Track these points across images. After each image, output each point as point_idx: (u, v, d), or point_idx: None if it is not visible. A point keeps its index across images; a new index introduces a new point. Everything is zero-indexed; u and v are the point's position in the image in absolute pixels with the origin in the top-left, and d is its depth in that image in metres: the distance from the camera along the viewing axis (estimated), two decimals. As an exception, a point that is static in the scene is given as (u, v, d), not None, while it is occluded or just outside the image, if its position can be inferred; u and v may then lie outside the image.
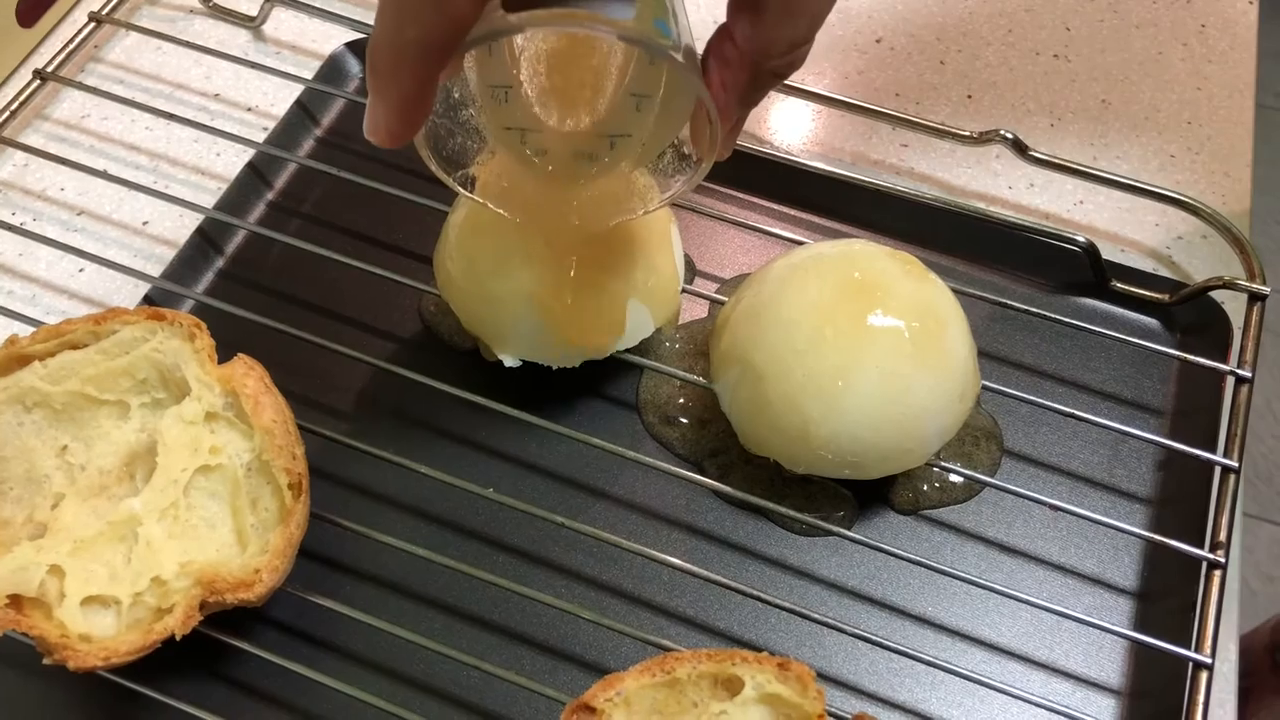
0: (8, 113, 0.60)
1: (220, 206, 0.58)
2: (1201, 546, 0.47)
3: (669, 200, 0.44)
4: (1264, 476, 1.67)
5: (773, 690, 0.40)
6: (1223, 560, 0.46)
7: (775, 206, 0.60)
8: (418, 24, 0.32)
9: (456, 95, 0.43)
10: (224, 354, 0.46)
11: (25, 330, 0.47)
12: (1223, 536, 0.47)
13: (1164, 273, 0.58)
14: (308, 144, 0.62)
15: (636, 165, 0.44)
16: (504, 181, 0.45)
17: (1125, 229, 0.60)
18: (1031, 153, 0.57)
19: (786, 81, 0.59)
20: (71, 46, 0.63)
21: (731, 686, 0.40)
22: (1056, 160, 0.57)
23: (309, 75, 0.63)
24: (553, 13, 0.35)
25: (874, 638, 0.45)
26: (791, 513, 0.48)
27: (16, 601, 0.42)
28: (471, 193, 0.45)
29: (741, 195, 0.60)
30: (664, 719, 0.40)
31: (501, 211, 0.45)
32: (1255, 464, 1.67)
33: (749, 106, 0.39)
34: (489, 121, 0.43)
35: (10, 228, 0.57)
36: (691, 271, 0.58)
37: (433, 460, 0.49)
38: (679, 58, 0.36)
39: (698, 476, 0.50)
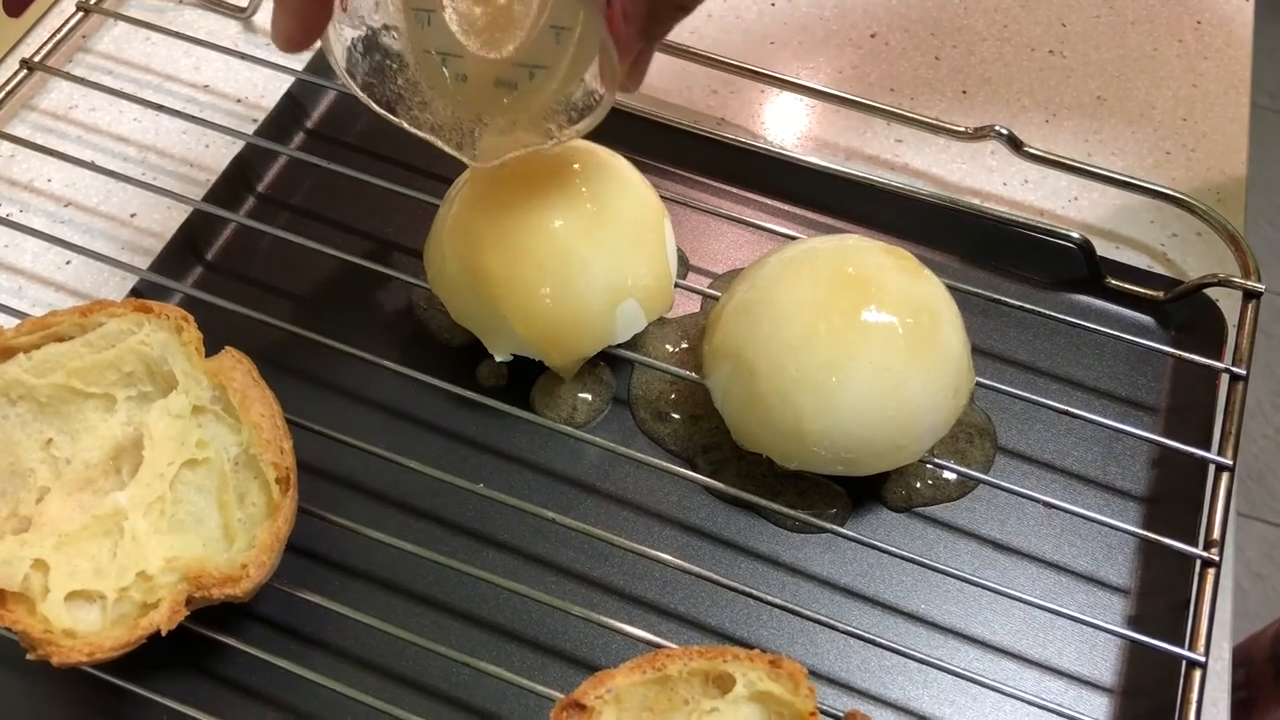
0: (-6, 103, 0.60)
1: (209, 199, 0.57)
2: (1195, 545, 0.47)
3: (572, 138, 0.45)
4: (1255, 476, 1.67)
5: (764, 688, 0.39)
6: (1216, 558, 0.46)
7: (769, 201, 0.60)
8: None
9: (377, 17, 0.44)
10: (212, 347, 0.46)
11: (11, 322, 0.47)
12: (1216, 534, 0.47)
13: (1159, 270, 0.58)
14: (297, 136, 0.62)
15: (553, 99, 0.44)
16: (417, 99, 0.46)
17: (1120, 226, 0.60)
18: (1026, 149, 0.57)
19: (780, 76, 0.59)
20: (59, 36, 0.62)
21: (723, 684, 0.40)
22: (1051, 156, 0.57)
23: (299, 67, 0.62)
24: None
25: (866, 635, 0.44)
26: (784, 509, 0.48)
27: (0, 596, 0.41)
28: (392, 115, 0.46)
29: (735, 190, 0.60)
30: (655, 716, 0.40)
31: (409, 128, 0.46)
32: (1246, 464, 1.67)
33: (652, 40, 0.40)
34: (410, 44, 0.44)
35: (-4, 219, 0.56)
36: (684, 266, 0.57)
37: (422, 455, 0.48)
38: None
39: (690, 473, 0.50)
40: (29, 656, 0.41)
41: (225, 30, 0.66)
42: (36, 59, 0.61)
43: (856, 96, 0.59)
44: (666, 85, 0.64)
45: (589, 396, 0.53)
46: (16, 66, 0.61)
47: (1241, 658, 0.84)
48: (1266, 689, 0.85)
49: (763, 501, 0.48)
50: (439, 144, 0.46)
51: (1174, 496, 0.51)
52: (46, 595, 0.41)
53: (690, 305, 0.55)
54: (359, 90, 0.45)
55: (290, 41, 0.39)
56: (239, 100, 0.63)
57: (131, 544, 0.43)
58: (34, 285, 0.56)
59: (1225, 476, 0.48)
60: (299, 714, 0.45)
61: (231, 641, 0.44)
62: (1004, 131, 0.57)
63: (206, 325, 0.47)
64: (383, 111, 0.46)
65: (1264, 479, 1.67)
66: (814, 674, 0.46)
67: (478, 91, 0.44)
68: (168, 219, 0.58)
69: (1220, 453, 0.49)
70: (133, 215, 0.59)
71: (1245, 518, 1.62)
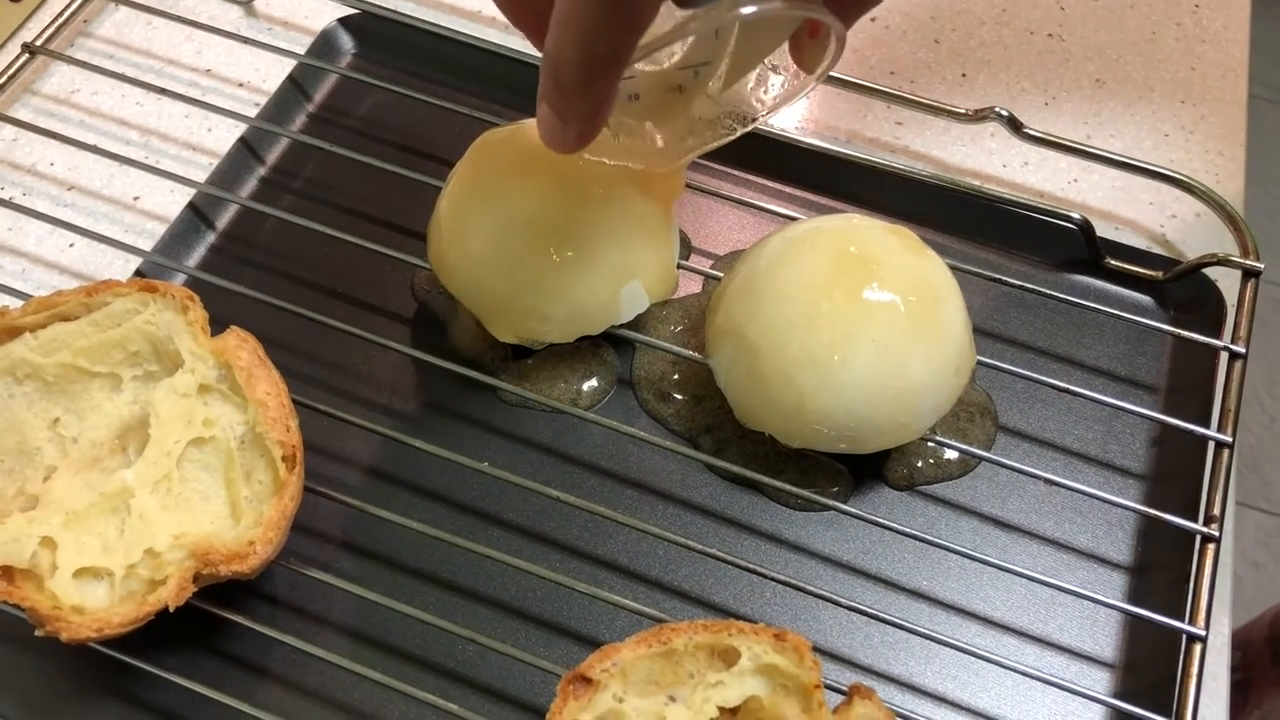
0: (-4, 87, 0.60)
1: (212, 181, 0.58)
2: (1195, 521, 0.47)
3: (776, 110, 0.45)
4: (1251, 465, 1.68)
5: (769, 661, 0.40)
6: (1216, 534, 0.46)
7: (771, 184, 0.60)
8: (608, 40, 0.32)
9: None
10: (217, 328, 0.46)
11: (16, 304, 0.47)
12: (1216, 510, 0.47)
13: (1158, 250, 0.58)
14: (300, 119, 0.62)
15: (725, 88, 0.44)
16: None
17: (1120, 207, 0.60)
18: (1026, 130, 0.57)
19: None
20: (61, 20, 0.62)
21: (728, 657, 0.40)
22: (1051, 138, 0.57)
23: (301, 51, 0.62)
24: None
25: (869, 610, 0.45)
26: (787, 487, 0.48)
27: (8, 573, 0.42)
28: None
29: (737, 173, 0.60)
30: (660, 689, 0.40)
31: (609, 162, 0.46)
32: (1243, 452, 1.67)
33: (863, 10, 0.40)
34: None
35: (0, 202, 0.56)
36: (687, 248, 0.57)
37: (427, 434, 0.49)
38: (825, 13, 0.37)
39: (693, 452, 0.50)
40: (37, 633, 0.41)
41: (227, 15, 0.66)
42: (38, 43, 0.61)
43: (857, 79, 0.59)
44: (667, 69, 0.64)
45: (593, 377, 0.53)
46: (18, 51, 0.61)
47: (1239, 641, 0.85)
48: (1264, 671, 0.86)
49: (765, 480, 0.48)
50: (633, 164, 0.47)
51: (1174, 473, 0.51)
52: (55, 572, 0.42)
53: (693, 286, 0.56)
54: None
55: (581, 143, 0.37)
56: (241, 84, 0.63)
57: (139, 521, 0.43)
58: (38, 268, 0.56)
59: (1225, 453, 0.49)
60: (305, 690, 0.45)
61: (238, 619, 0.45)
62: (1004, 113, 0.57)
63: (211, 306, 0.47)
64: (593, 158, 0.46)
65: (1260, 468, 1.67)
66: (817, 649, 0.46)
67: (650, 103, 0.43)
68: (171, 202, 0.58)
69: (1220, 430, 0.49)
70: (136, 198, 0.59)
71: (1242, 506, 1.63)
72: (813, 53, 0.41)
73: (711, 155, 0.60)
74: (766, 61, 0.44)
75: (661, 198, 0.50)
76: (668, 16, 0.36)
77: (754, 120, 0.45)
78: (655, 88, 0.42)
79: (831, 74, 0.59)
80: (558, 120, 0.36)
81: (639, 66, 0.42)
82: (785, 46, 0.42)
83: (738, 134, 0.45)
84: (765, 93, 0.45)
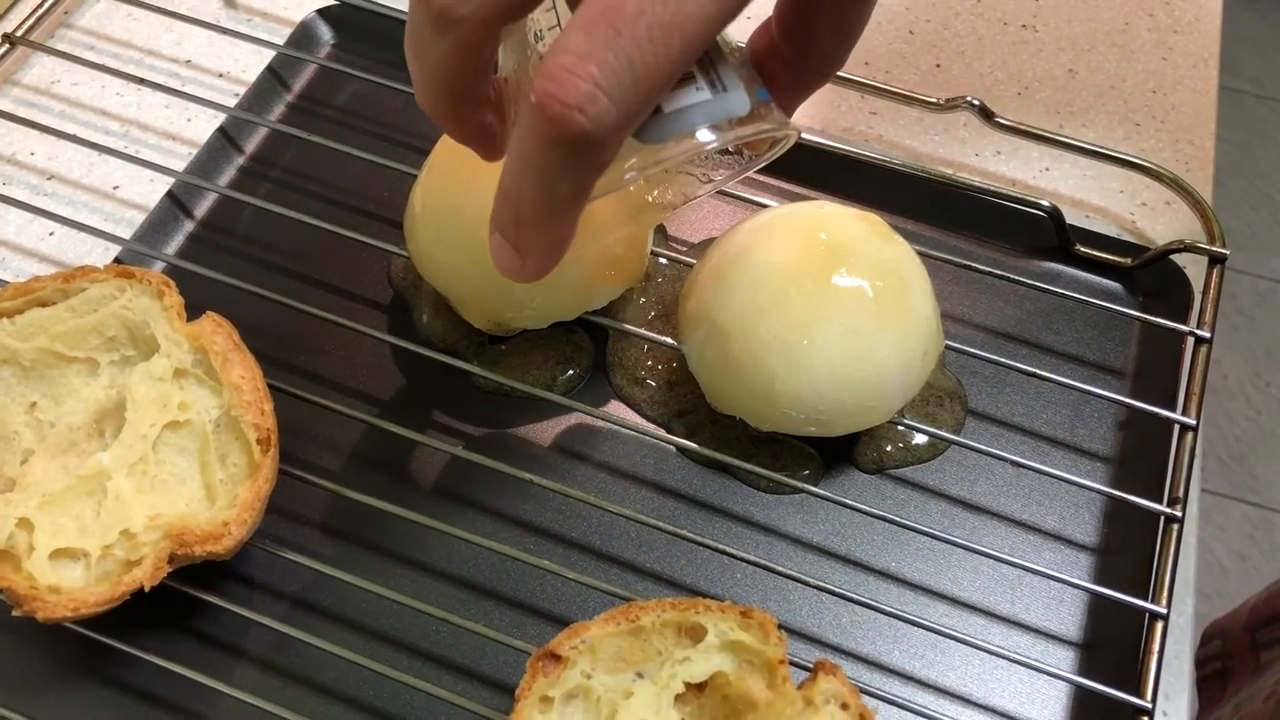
0: (-23, 77, 0.60)
1: (191, 170, 0.58)
2: (1160, 502, 0.48)
3: (716, 189, 0.42)
4: (1236, 457, 1.69)
5: (735, 638, 0.40)
6: (1179, 515, 0.47)
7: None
8: (569, 182, 0.31)
9: None
10: (195, 315, 0.47)
11: (-6, 291, 0.47)
12: (1180, 492, 0.48)
13: (1128, 238, 0.59)
14: (278, 109, 0.62)
15: (669, 178, 0.43)
16: None
17: (1090, 195, 0.61)
18: (998, 119, 0.58)
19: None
20: (41, 11, 0.62)
21: (695, 634, 0.41)
22: (1022, 127, 0.58)
23: (280, 41, 0.63)
24: (722, 137, 0.34)
25: (837, 590, 0.45)
26: (758, 470, 0.49)
27: (-14, 554, 0.42)
28: None
29: (711, 161, 0.61)
30: (629, 666, 0.41)
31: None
32: (1228, 445, 1.69)
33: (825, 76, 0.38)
34: None
35: (-21, 191, 0.57)
36: (661, 235, 0.58)
37: (402, 419, 0.49)
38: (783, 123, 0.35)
39: (666, 435, 0.50)
40: (14, 613, 0.41)
41: (207, 6, 0.66)
42: (19, 34, 0.61)
43: (831, 69, 0.60)
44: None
45: (567, 363, 0.53)
46: (-1, 41, 0.61)
47: (1219, 630, 0.85)
48: (1243, 659, 0.86)
49: (737, 463, 0.49)
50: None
51: (1140, 456, 0.52)
52: (31, 553, 0.42)
53: (667, 273, 0.56)
54: None
55: (540, 275, 0.35)
56: (220, 75, 0.64)
57: (115, 503, 0.43)
58: (17, 256, 0.57)
59: (1189, 436, 0.49)
60: (281, 670, 0.46)
61: (214, 600, 0.45)
62: (975, 103, 0.58)
63: (189, 293, 0.47)
64: None
65: (1245, 460, 1.68)
66: (786, 629, 0.47)
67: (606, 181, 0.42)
68: (150, 191, 0.59)
69: (1184, 413, 0.50)
70: (115, 187, 0.59)
71: (1227, 498, 1.64)
72: (762, 144, 0.38)
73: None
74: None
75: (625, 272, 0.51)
76: None
77: (695, 197, 0.43)
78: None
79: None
80: (515, 254, 0.34)
81: None
82: None
83: (677, 208, 0.44)
84: (709, 173, 0.42)
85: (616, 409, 0.53)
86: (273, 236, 0.57)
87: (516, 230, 0.33)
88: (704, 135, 0.33)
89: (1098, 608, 0.48)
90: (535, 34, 0.34)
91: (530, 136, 0.29)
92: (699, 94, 0.33)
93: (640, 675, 0.41)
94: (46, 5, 0.63)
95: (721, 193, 0.57)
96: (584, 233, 0.43)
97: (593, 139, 0.29)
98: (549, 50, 0.29)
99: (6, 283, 0.49)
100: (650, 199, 0.44)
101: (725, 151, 0.41)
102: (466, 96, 0.34)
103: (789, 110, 0.37)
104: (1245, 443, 1.70)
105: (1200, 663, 0.77)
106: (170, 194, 0.58)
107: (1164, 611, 0.45)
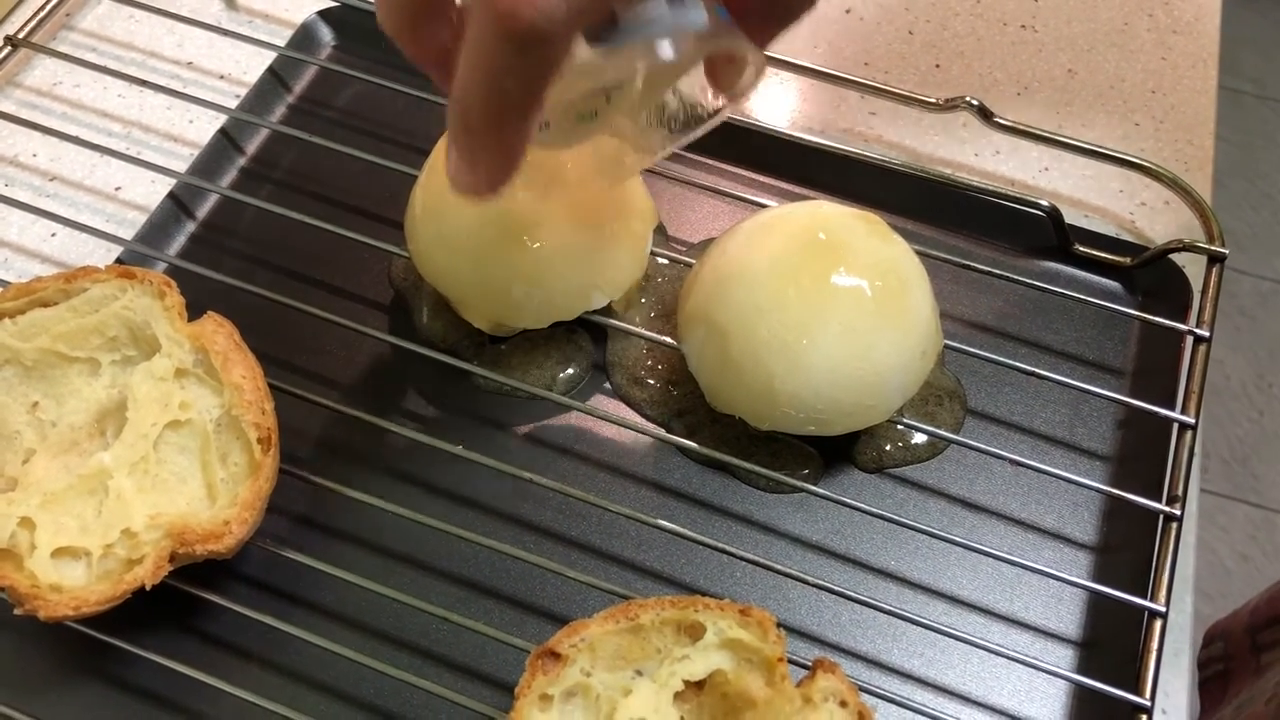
0: (-21, 79, 0.60)
1: (193, 171, 0.58)
2: (1159, 501, 0.48)
3: (687, 141, 0.43)
4: (1239, 458, 1.69)
5: (734, 635, 0.40)
6: (1178, 513, 0.47)
7: (745, 173, 0.61)
8: (518, 81, 0.30)
9: None
10: (196, 316, 0.47)
11: (-4, 292, 0.47)
12: (1179, 490, 0.48)
13: (1127, 237, 0.59)
14: (279, 110, 0.63)
15: (638, 111, 0.43)
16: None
17: (1090, 195, 0.61)
18: (996, 119, 0.58)
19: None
20: (44, 13, 0.63)
21: (694, 633, 0.41)
22: (1021, 127, 0.58)
23: (281, 43, 0.63)
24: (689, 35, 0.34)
25: (836, 589, 0.46)
26: (757, 469, 0.49)
27: (-12, 553, 0.42)
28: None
29: (711, 162, 0.61)
30: (628, 664, 0.41)
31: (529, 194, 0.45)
32: (1231, 446, 1.68)
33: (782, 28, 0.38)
34: None
35: (-18, 192, 0.57)
36: (662, 235, 0.58)
37: (403, 419, 0.49)
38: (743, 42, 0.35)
39: (666, 435, 0.51)
40: (16, 611, 0.42)
41: (208, 8, 0.66)
42: (21, 36, 0.62)
43: (832, 70, 0.60)
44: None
45: (567, 363, 0.54)
46: (1, 43, 0.61)
47: (1221, 632, 0.85)
48: (1244, 660, 0.86)
49: (737, 462, 0.49)
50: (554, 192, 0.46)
51: (1139, 455, 0.52)
52: (33, 552, 0.42)
53: (667, 273, 0.56)
54: None
55: (494, 187, 0.34)
56: (222, 76, 0.64)
57: (116, 502, 0.43)
58: (20, 257, 0.57)
59: (1188, 434, 0.49)
60: (281, 668, 0.46)
61: (215, 598, 0.45)
62: (974, 103, 0.58)
63: (191, 294, 0.48)
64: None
65: (1248, 462, 1.68)
66: (785, 628, 0.47)
67: (562, 131, 0.42)
68: (152, 192, 0.59)
69: (1183, 412, 0.50)
70: (117, 189, 0.60)
71: (1230, 499, 1.64)
72: (728, 76, 0.39)
73: (687, 145, 0.61)
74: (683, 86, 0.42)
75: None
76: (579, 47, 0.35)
77: (664, 151, 0.44)
78: (567, 116, 0.41)
79: (807, 65, 0.60)
80: (467, 165, 0.34)
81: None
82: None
83: (659, 156, 0.44)
84: (681, 119, 0.43)
85: (616, 408, 0.53)
86: (274, 237, 0.57)
87: (467, 136, 0.33)
88: (661, 46, 0.33)
89: (1097, 606, 0.48)
90: None
91: (480, 34, 0.30)
92: (656, 6, 0.33)
93: (639, 673, 0.41)
94: (49, 7, 0.63)
95: (721, 192, 0.57)
96: (555, 185, 0.43)
97: (541, 33, 0.29)
98: None
99: (9, 283, 0.49)
100: (618, 153, 0.44)
101: (694, 116, 0.41)
102: (427, 12, 0.34)
103: (760, 45, 0.37)
104: (1248, 444, 1.70)
105: (1202, 664, 0.77)
106: (171, 195, 0.58)
107: (1163, 610, 0.45)
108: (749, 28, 0.36)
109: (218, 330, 0.46)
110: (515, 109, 0.32)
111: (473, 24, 0.30)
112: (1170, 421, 0.50)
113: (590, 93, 0.40)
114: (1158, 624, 0.45)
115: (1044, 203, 0.56)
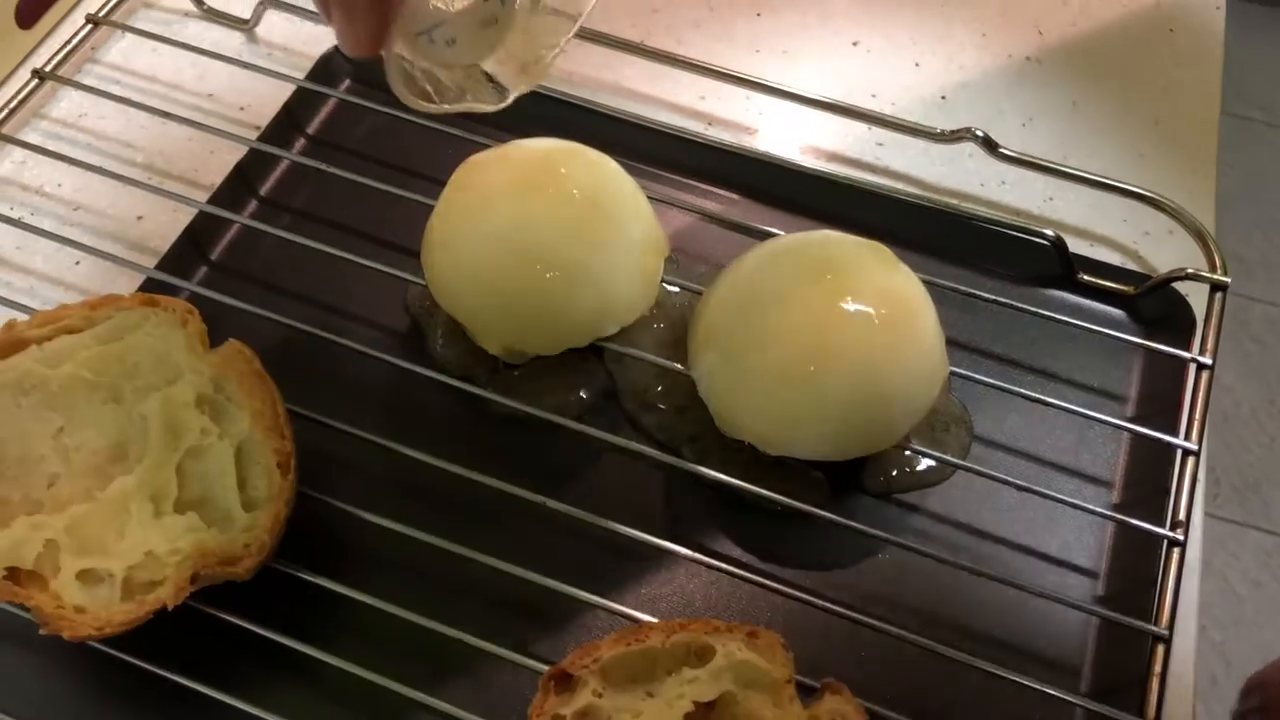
0: (7, 111, 0.62)
1: (213, 202, 0.60)
2: (1162, 526, 0.48)
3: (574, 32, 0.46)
4: (1250, 485, 1.68)
5: (743, 658, 0.41)
6: (1181, 538, 0.48)
7: (753, 203, 0.62)
8: None
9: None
10: (216, 343, 0.48)
11: (24, 320, 0.49)
12: (1182, 516, 0.48)
13: (1131, 266, 0.60)
14: (299, 142, 0.64)
15: (534, 8, 0.45)
16: (435, 85, 0.47)
17: (1094, 225, 0.62)
18: (1002, 150, 0.59)
19: (765, 82, 0.62)
20: (69, 47, 0.64)
21: (704, 654, 0.42)
22: (1026, 157, 0.59)
23: (300, 76, 0.65)
24: None
25: (843, 611, 0.46)
26: (767, 494, 0.50)
27: (14, 575, 0.43)
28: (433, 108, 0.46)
29: (721, 191, 0.62)
30: (638, 686, 0.42)
31: (450, 110, 0.46)
32: (1242, 472, 1.68)
33: None
34: (400, 34, 0.44)
35: (9, 221, 0.59)
36: (672, 263, 0.59)
37: (417, 443, 0.50)
38: None
39: (675, 460, 0.51)
40: (42, 631, 0.42)
41: (229, 41, 0.68)
42: (48, 69, 0.63)
43: (839, 101, 0.61)
44: (656, 91, 0.66)
45: (579, 389, 0.55)
46: (28, 76, 0.63)
47: (1257, 682, 0.85)
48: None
49: (746, 487, 0.50)
50: (481, 108, 0.47)
51: (1143, 481, 0.53)
52: (58, 573, 0.43)
53: (677, 300, 0.57)
54: (421, 105, 0.46)
55: (374, 39, 0.39)
56: (242, 108, 0.66)
57: (138, 526, 0.44)
58: (45, 285, 0.58)
59: (1191, 461, 0.50)
60: (300, 687, 0.47)
61: (236, 620, 0.46)
62: (980, 134, 0.59)
63: (211, 322, 0.49)
64: (427, 107, 0.46)
65: (1259, 488, 1.68)
66: (793, 649, 0.48)
67: (469, 43, 0.45)
68: (173, 221, 0.60)
69: (1186, 438, 0.51)
70: (140, 218, 0.61)
71: (1241, 526, 1.64)
72: None
73: (697, 176, 0.62)
74: None
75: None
76: None
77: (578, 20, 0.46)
78: (470, 26, 0.44)
79: (815, 97, 0.61)
80: (346, 21, 0.37)
81: (449, 8, 0.43)
82: None
83: (563, 43, 0.46)
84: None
85: (627, 434, 0.54)
86: (292, 266, 0.58)
87: None
88: None
89: (1102, 631, 0.49)
90: None
91: None
92: None
93: (650, 694, 0.42)
94: (75, 41, 0.65)
95: (730, 222, 0.58)
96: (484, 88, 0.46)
97: None
98: None
99: (35, 311, 0.50)
100: (533, 49, 0.46)
101: None
102: None
103: None
104: (1259, 470, 1.69)
105: (1238, 717, 0.77)
106: (192, 225, 0.59)
107: (1165, 634, 0.46)
108: None
109: (238, 357, 0.48)
110: None
111: None
112: (1174, 448, 0.51)
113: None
114: (1160, 648, 0.46)
115: (1049, 232, 0.57)
